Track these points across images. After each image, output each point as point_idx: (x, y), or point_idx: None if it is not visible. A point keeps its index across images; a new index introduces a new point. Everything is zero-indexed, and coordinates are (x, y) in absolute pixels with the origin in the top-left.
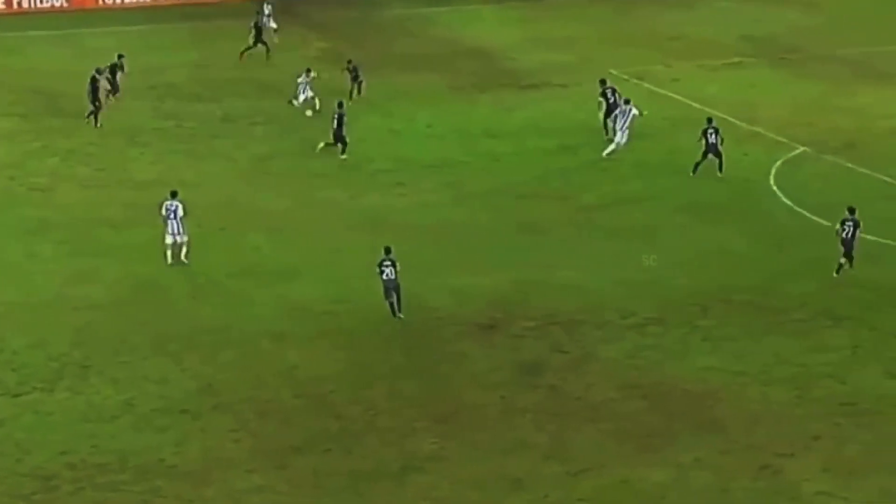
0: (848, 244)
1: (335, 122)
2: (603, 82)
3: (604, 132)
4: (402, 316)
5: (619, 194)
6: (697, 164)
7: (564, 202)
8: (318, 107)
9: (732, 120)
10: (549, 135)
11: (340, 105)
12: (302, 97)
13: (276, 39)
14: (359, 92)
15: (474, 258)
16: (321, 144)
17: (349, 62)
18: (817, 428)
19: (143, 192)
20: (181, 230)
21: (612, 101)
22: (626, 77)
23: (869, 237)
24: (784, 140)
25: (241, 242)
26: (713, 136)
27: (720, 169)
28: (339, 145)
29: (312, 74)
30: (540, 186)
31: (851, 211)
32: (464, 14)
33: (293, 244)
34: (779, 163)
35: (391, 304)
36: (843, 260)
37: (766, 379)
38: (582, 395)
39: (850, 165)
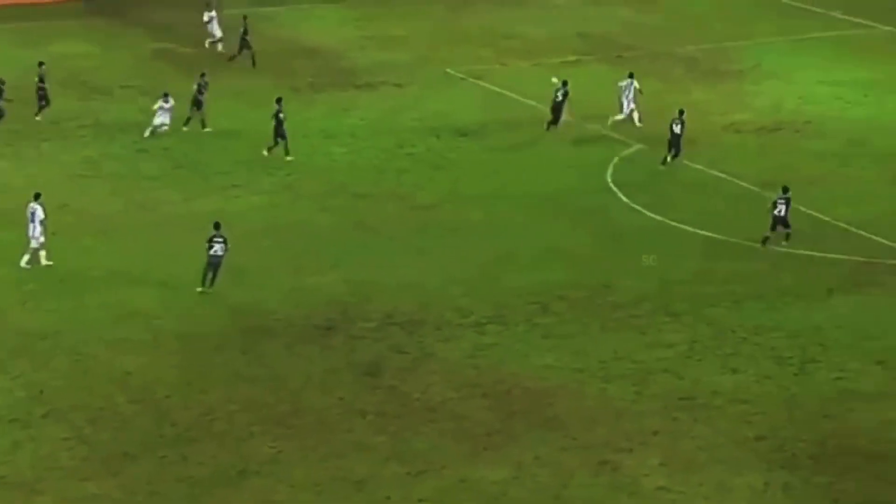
0: (780, 220)
1: (273, 120)
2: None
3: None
4: (210, 290)
5: (456, 192)
6: (666, 158)
7: (402, 201)
8: (153, 132)
9: (570, 118)
10: (386, 134)
11: (279, 101)
12: (158, 121)
13: (220, 48)
14: (202, 124)
15: (311, 259)
16: (265, 151)
17: (202, 75)
18: (655, 423)
19: None
20: (37, 233)
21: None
22: (462, 76)
23: (705, 233)
24: (621, 138)
25: (73, 247)
26: (678, 127)
27: (672, 159)
28: (280, 143)
29: (172, 102)
30: (377, 186)
31: (785, 190)
32: (299, 13)
33: (126, 248)
34: (616, 160)
35: (205, 276)
36: (769, 233)
37: (605, 375)
38: (421, 395)
39: (685, 162)
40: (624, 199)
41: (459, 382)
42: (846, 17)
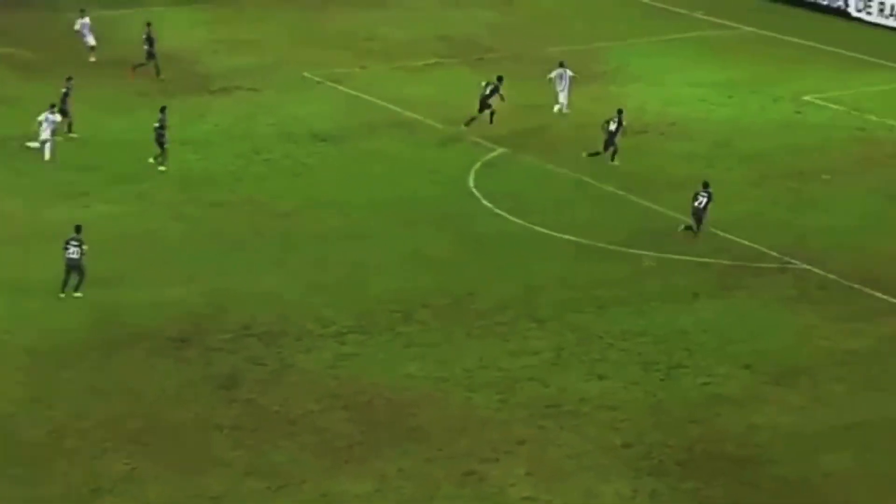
0: (698, 213)
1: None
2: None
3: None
4: (79, 294)
5: (315, 199)
6: (599, 153)
7: (259, 208)
8: (47, 155)
9: (431, 122)
10: (242, 140)
11: (162, 110)
12: (43, 137)
13: (92, 58)
14: (69, 130)
15: (165, 270)
16: (151, 159)
17: (69, 79)
18: (522, 432)
19: None
20: None
21: (493, 86)
22: (319, 80)
23: (569, 237)
24: (483, 142)
25: None
26: (614, 125)
27: (609, 156)
28: (159, 152)
29: (59, 116)
30: (233, 193)
31: (706, 185)
32: (149, 16)
33: None
34: (478, 165)
35: (65, 281)
36: (692, 224)
37: (470, 384)
38: (280, 407)
39: (549, 166)
40: (487, 203)
41: (320, 394)
42: (708, 18)
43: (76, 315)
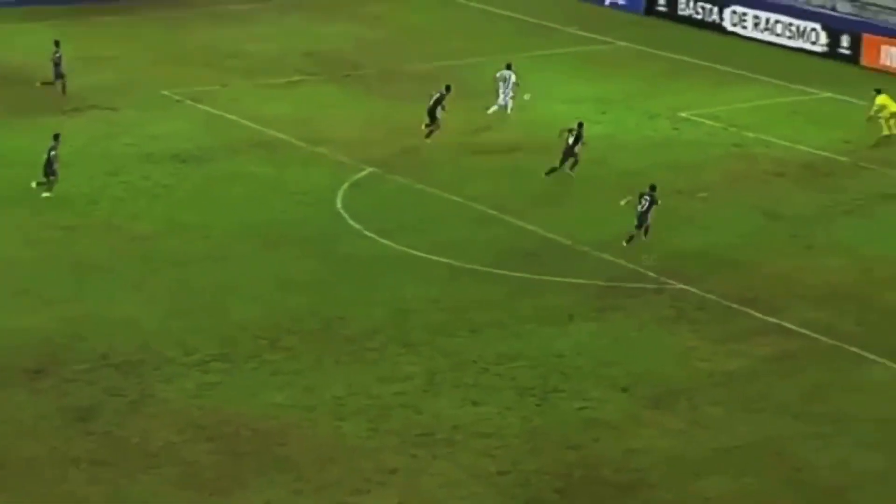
0: (642, 217)
1: (46, 154)
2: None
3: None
4: None
5: (175, 221)
6: (556, 168)
7: (117, 232)
8: None
9: (296, 141)
10: (98, 161)
11: (56, 137)
12: None
13: None
14: None
15: (19, 297)
16: (34, 184)
17: None
18: (393, 461)
19: None
20: None
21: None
22: (179, 98)
23: (441, 259)
24: (351, 161)
25: None
26: (571, 138)
27: (561, 168)
28: (50, 179)
29: None
30: (89, 217)
31: (652, 188)
32: None
33: None
34: (346, 185)
35: None
36: (634, 232)
37: (339, 412)
38: (140, 440)
39: (420, 186)
40: (355, 225)
41: (182, 425)
42: (582, 33)
43: None
